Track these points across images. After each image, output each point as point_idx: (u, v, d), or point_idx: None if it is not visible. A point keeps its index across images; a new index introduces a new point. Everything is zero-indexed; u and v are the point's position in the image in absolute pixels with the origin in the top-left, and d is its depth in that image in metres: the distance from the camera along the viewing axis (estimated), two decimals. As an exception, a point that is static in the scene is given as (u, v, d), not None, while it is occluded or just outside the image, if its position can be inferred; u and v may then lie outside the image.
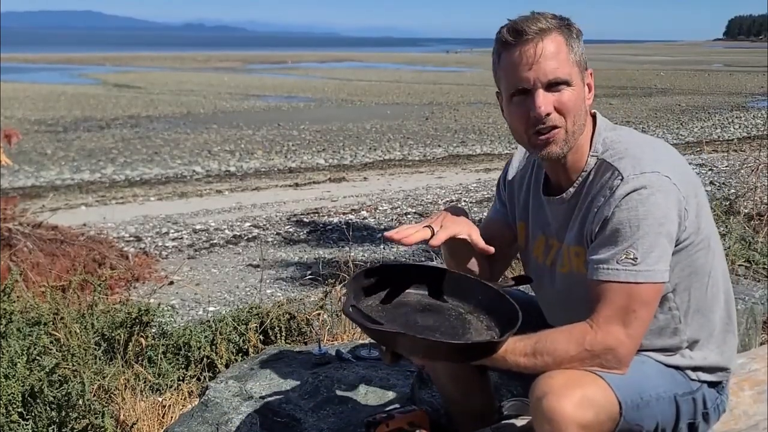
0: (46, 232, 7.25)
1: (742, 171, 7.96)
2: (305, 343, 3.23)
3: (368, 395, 2.38)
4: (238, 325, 3.29)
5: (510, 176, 1.84)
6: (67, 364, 2.72)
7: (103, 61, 56.11)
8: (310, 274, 7.06)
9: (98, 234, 8.56)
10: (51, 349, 2.77)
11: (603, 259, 1.49)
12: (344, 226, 8.93)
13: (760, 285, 3.31)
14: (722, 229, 4.30)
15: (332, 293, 3.55)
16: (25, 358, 2.49)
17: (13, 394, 2.32)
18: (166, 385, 2.99)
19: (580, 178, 1.61)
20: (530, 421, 1.58)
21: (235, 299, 6.63)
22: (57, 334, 2.86)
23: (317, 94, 29.97)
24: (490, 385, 2.06)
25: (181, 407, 2.82)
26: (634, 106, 24.09)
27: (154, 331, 3.24)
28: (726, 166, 11.47)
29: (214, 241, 9.09)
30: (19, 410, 2.35)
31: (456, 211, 1.75)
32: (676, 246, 1.52)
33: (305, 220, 10.05)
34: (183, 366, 3.14)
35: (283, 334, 3.27)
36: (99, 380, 2.74)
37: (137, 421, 2.64)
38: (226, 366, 3.02)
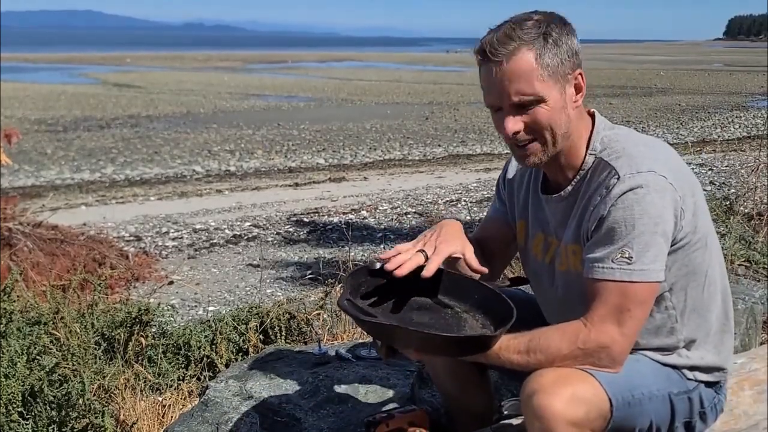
0: (46, 231, 7.25)
1: (742, 171, 7.96)
2: (305, 343, 3.23)
3: (368, 395, 2.38)
4: (238, 324, 3.29)
5: (510, 175, 1.85)
6: (67, 364, 2.72)
7: (102, 61, 56.11)
8: (310, 274, 7.07)
9: (98, 234, 8.56)
10: (51, 349, 2.77)
11: (598, 257, 1.50)
12: (344, 226, 8.92)
13: (760, 285, 3.31)
14: (722, 229, 4.30)
15: (332, 293, 3.55)
16: (25, 358, 2.49)
17: (13, 393, 2.33)
18: (166, 384, 2.99)
19: (578, 177, 1.61)
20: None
21: (235, 299, 6.63)
22: (57, 333, 2.86)
23: (317, 94, 29.97)
24: (490, 385, 2.06)
25: (181, 407, 2.82)
26: (634, 106, 24.08)
27: (154, 330, 3.24)
28: (726, 166, 11.47)
29: (214, 241, 9.09)
30: (19, 410, 2.35)
31: (450, 226, 1.73)
32: (672, 245, 1.52)
33: (305, 219, 10.05)
34: (183, 366, 3.14)
35: (283, 333, 3.27)
36: (99, 380, 2.74)
37: (137, 420, 2.65)
38: (226, 366, 3.02)
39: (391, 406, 2.29)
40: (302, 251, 8.46)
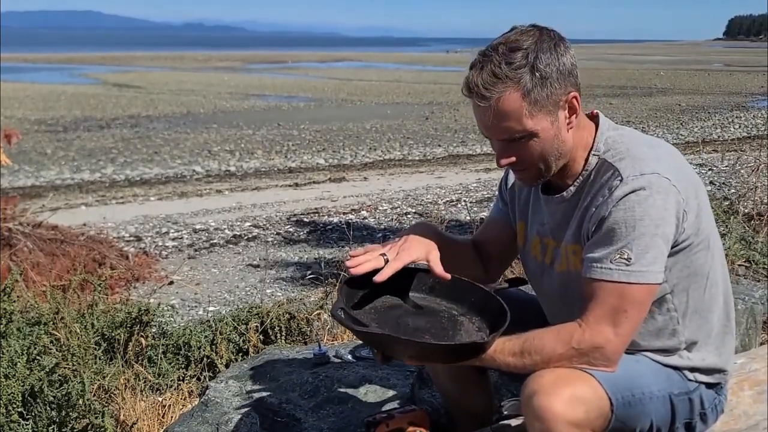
0: (46, 231, 7.25)
1: (742, 171, 7.96)
2: (305, 343, 3.24)
3: (368, 395, 2.38)
4: (238, 324, 3.29)
5: (512, 175, 1.85)
6: (67, 364, 2.72)
7: (102, 61, 56.12)
8: (310, 274, 7.07)
9: (98, 234, 8.56)
10: (51, 349, 2.77)
11: (597, 257, 1.50)
12: (344, 226, 8.93)
13: (760, 285, 3.31)
14: (722, 229, 4.30)
15: (332, 293, 3.55)
16: (25, 358, 2.49)
17: (13, 393, 2.33)
18: (166, 385, 2.99)
19: (581, 178, 1.61)
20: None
21: (235, 299, 6.63)
22: (57, 333, 2.86)
23: (317, 94, 29.97)
24: (490, 385, 2.06)
25: (181, 407, 2.82)
26: (634, 106, 24.08)
27: (154, 330, 3.24)
28: (726, 166, 11.46)
29: (214, 241, 9.09)
30: (19, 410, 2.35)
31: (422, 230, 1.72)
32: (674, 247, 1.52)
33: (305, 219, 10.05)
34: (183, 366, 3.14)
35: (283, 334, 3.28)
36: (99, 380, 2.74)
37: (137, 420, 2.65)
38: (226, 366, 3.03)
39: (391, 406, 2.29)
40: (302, 251, 8.46)
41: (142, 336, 3.08)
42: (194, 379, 3.07)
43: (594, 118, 1.65)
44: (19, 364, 2.41)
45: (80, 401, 2.39)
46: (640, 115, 21.43)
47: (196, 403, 2.56)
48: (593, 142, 1.61)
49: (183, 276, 7.39)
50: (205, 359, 3.13)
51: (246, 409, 2.34)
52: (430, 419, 2.06)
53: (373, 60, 67.02)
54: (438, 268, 1.64)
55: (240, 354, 3.22)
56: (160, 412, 2.79)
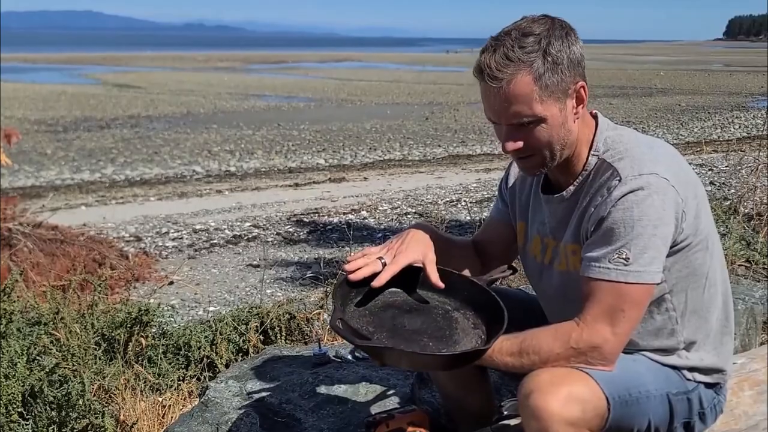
0: (46, 232, 7.25)
1: (742, 171, 7.96)
2: (305, 343, 3.23)
3: (368, 395, 2.38)
4: (238, 325, 3.29)
5: (513, 175, 1.85)
6: (67, 364, 2.72)
7: (102, 61, 56.11)
8: (310, 274, 7.07)
9: (98, 234, 8.56)
10: (51, 349, 2.77)
11: (595, 257, 1.50)
12: (344, 226, 8.93)
13: (760, 285, 3.31)
14: (722, 229, 4.30)
15: (332, 294, 3.55)
16: (25, 358, 2.49)
17: (13, 394, 2.33)
18: (166, 385, 2.99)
19: (580, 177, 1.61)
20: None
21: (235, 299, 6.63)
22: (57, 334, 2.86)
23: (317, 94, 29.97)
24: (490, 385, 2.06)
25: (181, 407, 2.82)
26: (634, 106, 24.08)
27: (154, 331, 3.24)
28: (726, 166, 11.46)
29: (214, 241, 9.09)
30: (19, 410, 2.35)
31: (416, 234, 1.71)
32: (673, 247, 1.53)
33: (305, 220, 10.05)
34: (183, 366, 3.14)
35: (283, 334, 3.28)
36: (99, 380, 2.74)
37: (137, 421, 2.65)
38: (226, 366, 3.03)
39: (391, 406, 2.29)
40: (302, 251, 8.46)
41: (142, 336, 3.08)
42: (194, 379, 3.07)
43: (593, 117, 1.65)
44: (19, 364, 2.41)
45: (80, 401, 2.39)
46: (640, 116, 21.43)
47: (196, 403, 2.56)
48: (592, 141, 1.61)
49: (183, 276, 7.39)
50: (205, 359, 3.13)
51: (246, 409, 2.34)
52: (430, 419, 2.06)
53: (373, 60, 67.03)
54: (433, 273, 1.64)
55: (240, 354, 3.22)
56: (160, 412, 2.79)
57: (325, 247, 8.52)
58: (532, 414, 1.43)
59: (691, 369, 1.65)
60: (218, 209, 10.92)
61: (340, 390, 2.40)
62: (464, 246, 1.88)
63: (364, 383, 2.43)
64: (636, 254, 1.46)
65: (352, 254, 1.66)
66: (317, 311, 3.45)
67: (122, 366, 2.96)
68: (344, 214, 10.29)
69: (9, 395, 2.32)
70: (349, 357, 2.65)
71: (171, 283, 7.11)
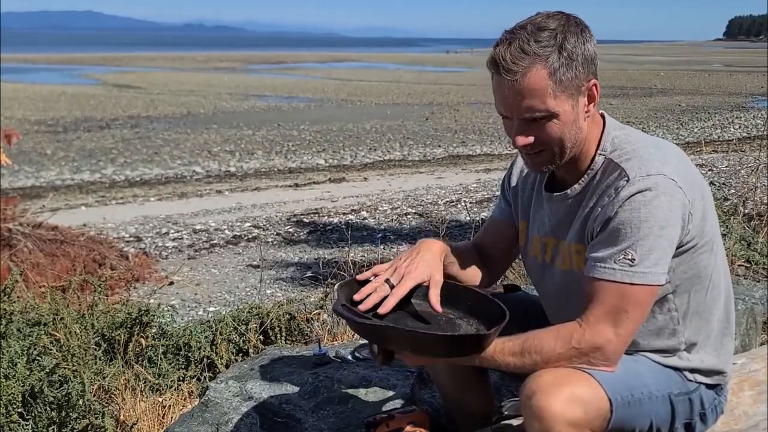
0: (46, 232, 7.25)
1: (742, 171, 7.96)
2: (305, 343, 3.23)
3: (368, 395, 2.38)
4: (238, 325, 3.29)
5: (515, 174, 1.84)
6: (67, 365, 2.72)
7: (102, 62, 56.11)
8: (310, 274, 7.07)
9: (98, 234, 8.56)
10: (51, 350, 2.77)
11: (601, 257, 1.49)
12: (344, 227, 8.92)
13: (760, 285, 3.31)
14: (722, 229, 4.29)
15: (332, 293, 3.55)
16: (25, 358, 2.49)
17: (13, 394, 2.33)
18: (166, 385, 2.99)
19: (586, 176, 1.60)
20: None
21: (235, 299, 6.63)
22: (57, 334, 2.86)
23: (317, 95, 29.98)
24: (490, 385, 2.06)
25: (181, 407, 2.82)
26: (634, 106, 24.10)
27: (154, 331, 3.24)
28: (726, 166, 11.47)
29: (214, 242, 9.09)
30: (19, 410, 2.35)
31: (426, 252, 1.70)
32: (679, 248, 1.52)
33: (305, 220, 10.05)
34: (183, 366, 3.14)
35: (283, 334, 3.27)
36: (99, 380, 2.74)
37: (137, 421, 2.64)
38: (226, 366, 3.02)
39: (391, 406, 2.29)
40: (302, 252, 8.46)
41: (142, 336, 3.08)
42: (194, 380, 3.07)
43: (601, 117, 1.64)
44: (19, 364, 2.41)
45: (80, 401, 2.39)
46: (640, 116, 21.44)
47: (196, 403, 2.56)
48: (600, 141, 1.61)
49: (183, 276, 7.39)
50: (205, 360, 3.13)
51: (246, 410, 2.34)
52: (430, 420, 2.06)
53: (373, 60, 67.04)
54: (435, 297, 1.63)
55: (240, 354, 3.22)
56: (160, 412, 2.79)
57: (324, 248, 8.53)
58: (534, 415, 1.43)
59: (692, 370, 1.65)
60: (218, 209, 10.92)
61: (340, 390, 2.40)
62: (466, 251, 1.87)
63: (364, 383, 2.43)
64: (642, 255, 1.46)
65: (362, 273, 1.66)
66: (317, 311, 3.45)
67: (122, 366, 2.96)
68: (344, 214, 10.30)
69: (9, 395, 2.32)
70: (349, 357, 2.64)
71: (171, 283, 7.11)
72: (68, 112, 22.80)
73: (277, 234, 9.35)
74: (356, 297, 1.60)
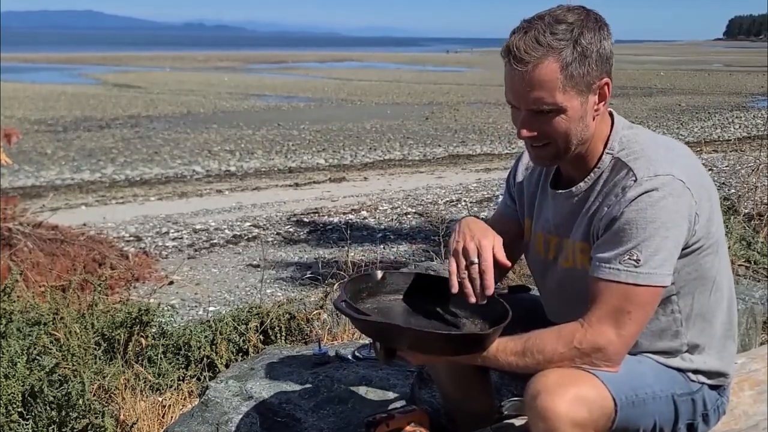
0: (46, 231, 7.25)
1: (742, 171, 7.96)
2: (305, 343, 3.23)
3: (368, 395, 2.38)
4: (238, 325, 3.29)
5: (521, 171, 1.84)
6: (67, 364, 2.72)
7: (102, 61, 56.10)
8: (310, 274, 7.07)
9: (98, 234, 8.56)
10: (51, 349, 2.77)
11: (606, 257, 1.49)
12: (344, 226, 8.92)
13: (760, 285, 3.31)
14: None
15: (332, 293, 3.55)
16: (25, 358, 2.49)
17: (13, 393, 2.32)
18: (166, 385, 2.99)
19: (593, 174, 1.59)
20: (530, 420, 1.58)
21: (235, 299, 6.63)
22: (57, 334, 2.86)
23: (317, 94, 29.97)
24: (490, 385, 2.06)
25: (181, 407, 2.82)
26: (634, 106, 24.08)
27: (154, 331, 3.24)
28: (726, 166, 11.45)
29: (214, 241, 9.09)
30: (19, 410, 2.35)
31: (476, 222, 1.71)
32: (684, 249, 1.51)
33: (305, 220, 10.05)
34: (183, 366, 3.14)
35: (283, 334, 3.27)
36: (99, 380, 2.74)
37: (137, 420, 2.64)
38: (226, 366, 3.02)
39: (391, 406, 2.29)
40: (302, 251, 8.46)
41: (142, 336, 3.08)
42: (194, 379, 3.07)
43: (610, 116, 1.63)
44: (19, 364, 2.41)
45: (80, 401, 2.39)
46: (640, 115, 21.42)
47: (196, 403, 2.56)
48: (608, 139, 1.60)
49: (183, 276, 7.39)
50: (205, 359, 3.13)
51: (246, 409, 2.34)
52: (430, 419, 2.06)
53: (373, 60, 67.03)
54: (500, 254, 1.62)
55: (240, 354, 3.22)
56: (160, 412, 2.79)
57: (325, 247, 8.52)
58: (539, 415, 1.42)
59: (695, 371, 1.64)
60: (218, 209, 10.92)
61: (340, 390, 2.40)
62: None
63: (364, 383, 2.43)
64: (647, 256, 1.45)
65: (451, 271, 1.62)
66: (317, 311, 3.45)
67: (122, 366, 2.95)
68: (344, 214, 10.29)
69: (9, 395, 2.32)
70: (349, 357, 2.64)
71: (171, 283, 7.11)
72: (68, 112, 22.79)
73: (277, 233, 9.35)
74: (454, 290, 1.58)
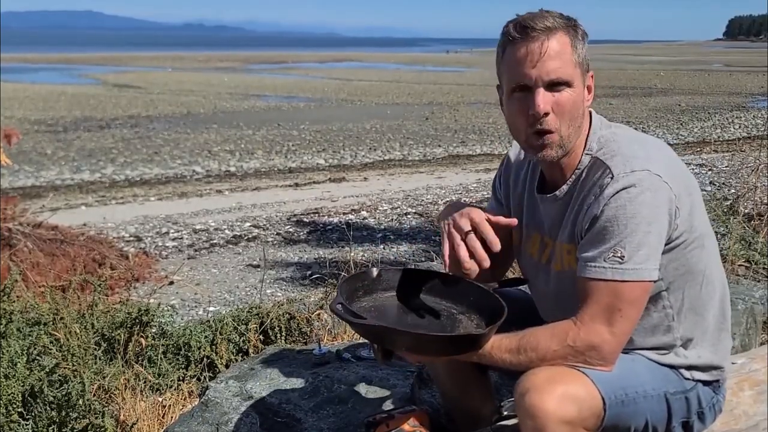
0: (46, 232, 7.25)
1: (742, 171, 7.96)
2: (305, 343, 3.23)
3: (368, 395, 2.38)
4: (238, 325, 3.29)
5: (506, 174, 1.85)
6: (67, 364, 2.72)
7: (102, 61, 56.11)
8: (310, 274, 7.07)
9: (98, 234, 8.55)
10: (51, 349, 2.77)
11: (590, 257, 1.50)
12: (344, 226, 8.92)
13: (760, 285, 3.31)
14: (722, 229, 4.30)
15: (332, 293, 3.55)
16: (25, 358, 2.49)
17: (13, 394, 2.32)
18: (166, 385, 2.99)
19: (573, 176, 1.61)
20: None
21: (235, 299, 6.62)
22: (57, 334, 2.86)
23: (317, 94, 29.97)
24: (490, 385, 2.06)
25: (181, 407, 2.82)
26: (634, 106, 24.09)
27: (154, 331, 3.24)
28: (726, 166, 11.46)
29: (214, 241, 9.09)
30: (19, 410, 2.35)
31: (458, 203, 1.73)
32: (668, 244, 1.53)
33: (305, 220, 10.05)
34: (183, 366, 3.14)
35: (283, 334, 3.27)
36: (99, 380, 2.74)
37: (137, 421, 2.65)
38: (226, 366, 3.03)
39: (391, 406, 2.29)
40: (302, 251, 8.46)
41: (142, 336, 3.08)
42: (194, 380, 3.07)
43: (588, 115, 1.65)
44: (19, 364, 2.41)
45: (80, 401, 2.39)
46: (640, 116, 21.43)
47: (196, 403, 2.56)
48: (586, 140, 1.61)
49: (183, 276, 7.39)
50: (205, 359, 3.13)
51: (246, 409, 2.34)
52: (430, 419, 2.06)
53: (373, 60, 67.02)
54: (501, 218, 1.64)
55: (240, 354, 3.22)
56: (160, 412, 2.79)
57: (325, 247, 8.52)
58: (527, 412, 1.43)
59: (689, 367, 1.65)
60: (218, 209, 10.92)
61: (340, 390, 2.40)
62: None
63: (364, 383, 2.44)
64: (631, 252, 1.46)
65: (444, 266, 1.64)
66: (317, 311, 3.45)
67: (122, 366, 2.95)
68: (344, 214, 10.29)
69: (9, 395, 2.32)
70: (350, 357, 2.65)
71: (171, 283, 7.11)
72: (68, 112, 22.79)
73: (277, 234, 9.35)
74: (447, 268, 1.59)
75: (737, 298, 2.99)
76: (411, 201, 11.08)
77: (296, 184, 12.93)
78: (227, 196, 12.11)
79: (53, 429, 2.37)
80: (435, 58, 77.10)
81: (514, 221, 1.67)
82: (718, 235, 4.12)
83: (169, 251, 8.70)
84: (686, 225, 1.54)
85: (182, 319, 4.56)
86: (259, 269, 7.54)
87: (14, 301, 2.93)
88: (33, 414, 2.39)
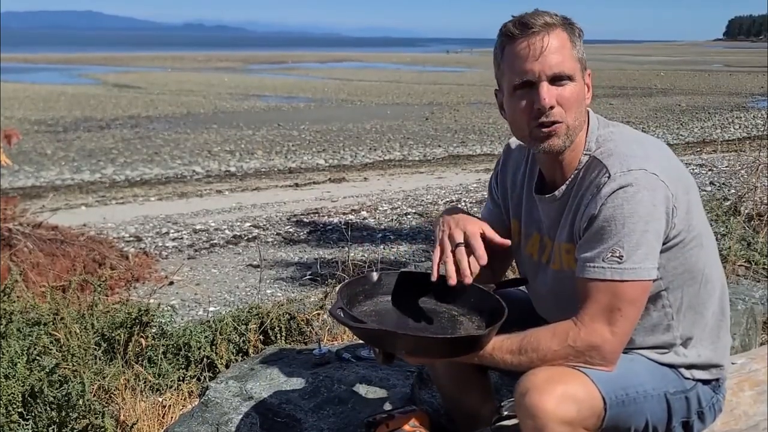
0: (46, 232, 7.25)
1: (742, 171, 7.96)
2: (305, 343, 3.23)
3: (368, 395, 2.38)
4: (238, 325, 3.29)
5: (502, 175, 1.85)
6: (67, 364, 2.72)
7: (102, 61, 56.10)
8: (310, 274, 7.07)
9: (98, 234, 8.55)
10: (51, 349, 2.77)
11: (589, 257, 1.50)
12: (344, 227, 8.92)
13: (760, 285, 3.31)
14: (722, 229, 4.30)
15: (332, 293, 3.55)
16: (25, 358, 2.49)
17: (13, 394, 2.32)
18: (166, 385, 2.99)
19: (571, 176, 1.61)
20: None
21: (235, 299, 6.62)
22: (57, 334, 2.86)
23: (317, 94, 29.97)
24: (490, 385, 2.06)
25: (181, 407, 2.82)
26: (634, 106, 24.09)
27: (154, 331, 3.24)
28: (726, 166, 11.45)
29: (214, 241, 9.09)
30: (19, 410, 2.35)
31: (457, 211, 1.73)
32: (666, 243, 1.53)
33: (305, 220, 10.05)
34: (183, 366, 3.13)
35: (283, 334, 3.27)
36: (99, 380, 2.74)
37: (137, 421, 2.64)
38: (226, 366, 3.02)
39: (391, 406, 2.29)
40: (302, 252, 8.46)
41: (142, 336, 3.08)
42: (194, 380, 3.07)
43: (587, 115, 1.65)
44: (19, 364, 2.41)
45: (80, 401, 2.39)
46: (640, 116, 21.43)
47: (196, 403, 2.56)
48: (585, 140, 1.61)
49: (183, 276, 7.39)
50: (205, 360, 3.13)
51: (246, 410, 2.34)
52: (430, 419, 2.06)
53: (373, 60, 67.02)
54: (496, 236, 1.66)
55: (240, 354, 3.22)
56: (160, 412, 2.79)
57: (325, 248, 8.52)
58: (527, 412, 1.43)
59: (689, 366, 1.65)
60: (218, 209, 10.92)
61: (340, 390, 2.40)
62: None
63: (364, 383, 2.44)
64: (629, 251, 1.47)
65: (435, 265, 1.64)
66: (317, 311, 3.45)
67: (122, 366, 2.95)
68: (344, 214, 10.29)
69: (9, 395, 2.32)
70: (350, 357, 2.65)
71: (171, 283, 7.11)
72: (68, 112, 22.79)
73: (277, 234, 9.35)
74: (453, 279, 1.57)
75: (737, 298, 2.99)
76: (411, 201, 11.08)
77: (296, 185, 12.94)
78: (227, 196, 12.12)
79: (53, 429, 2.37)
80: (435, 58, 77.10)
81: (507, 242, 1.68)
82: (718, 236, 4.12)
83: (169, 251, 8.70)
84: (684, 224, 1.54)
85: (182, 320, 4.56)
86: (259, 269, 7.54)
87: (14, 302, 2.93)
88: (33, 414, 2.39)
